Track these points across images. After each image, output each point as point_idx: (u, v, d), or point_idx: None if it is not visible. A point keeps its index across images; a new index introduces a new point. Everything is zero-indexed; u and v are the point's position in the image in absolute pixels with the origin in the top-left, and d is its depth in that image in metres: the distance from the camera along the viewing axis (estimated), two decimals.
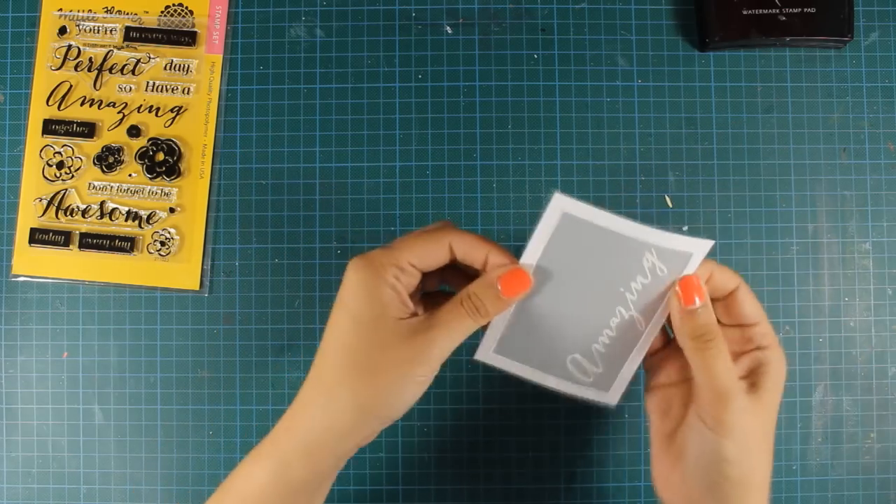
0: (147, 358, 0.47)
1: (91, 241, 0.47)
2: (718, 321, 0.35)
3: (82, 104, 0.48)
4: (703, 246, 0.35)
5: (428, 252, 0.33)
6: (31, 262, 0.47)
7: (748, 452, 0.34)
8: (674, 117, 0.48)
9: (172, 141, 0.47)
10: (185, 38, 0.47)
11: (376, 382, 0.32)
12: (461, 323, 0.33)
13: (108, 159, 0.47)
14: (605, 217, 0.34)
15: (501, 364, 0.39)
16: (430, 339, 0.32)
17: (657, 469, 0.38)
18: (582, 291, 0.37)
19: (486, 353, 0.39)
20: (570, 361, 0.38)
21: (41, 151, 0.47)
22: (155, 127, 0.48)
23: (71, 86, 0.48)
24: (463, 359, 0.47)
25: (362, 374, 0.32)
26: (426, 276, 0.35)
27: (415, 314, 0.33)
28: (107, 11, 0.48)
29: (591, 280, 0.36)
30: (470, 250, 0.34)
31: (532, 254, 0.35)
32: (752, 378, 0.35)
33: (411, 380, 0.32)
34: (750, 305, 0.35)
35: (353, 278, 0.32)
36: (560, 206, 0.34)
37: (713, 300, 0.36)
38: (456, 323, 0.33)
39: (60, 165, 0.47)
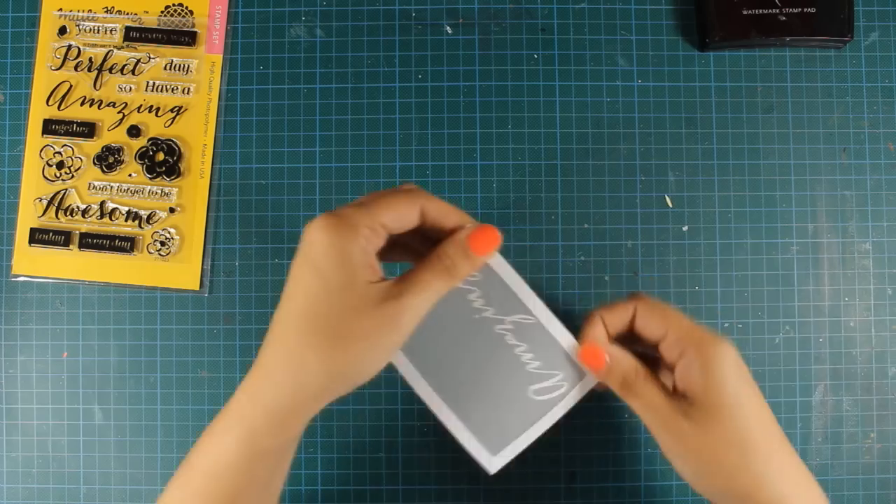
0: (147, 358, 0.47)
1: (91, 241, 0.47)
2: (640, 348, 0.36)
3: (82, 104, 0.48)
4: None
5: (400, 214, 0.32)
6: (31, 262, 0.47)
7: (718, 466, 0.34)
8: (674, 117, 0.48)
9: (172, 141, 0.47)
10: (185, 38, 0.47)
11: (348, 349, 0.31)
12: (433, 285, 0.32)
13: (108, 159, 0.47)
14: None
15: (403, 368, 0.36)
16: (402, 304, 0.31)
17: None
18: (463, 346, 0.36)
19: (491, 463, 0.37)
20: (464, 397, 0.36)
21: (41, 151, 0.47)
22: (155, 127, 0.48)
23: (71, 86, 0.48)
24: None
25: (333, 341, 0.30)
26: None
27: (383, 278, 0.32)
28: (107, 11, 0.48)
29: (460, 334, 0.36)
30: (440, 215, 0.33)
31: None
32: (693, 387, 0.34)
33: (381, 346, 0.31)
34: (647, 327, 0.35)
35: (324, 239, 0.30)
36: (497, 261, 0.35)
37: (618, 335, 0.36)
38: (427, 285, 0.32)
39: (60, 165, 0.47)
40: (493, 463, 0.36)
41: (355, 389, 0.32)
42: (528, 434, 0.36)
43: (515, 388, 0.36)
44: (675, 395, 0.35)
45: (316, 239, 0.31)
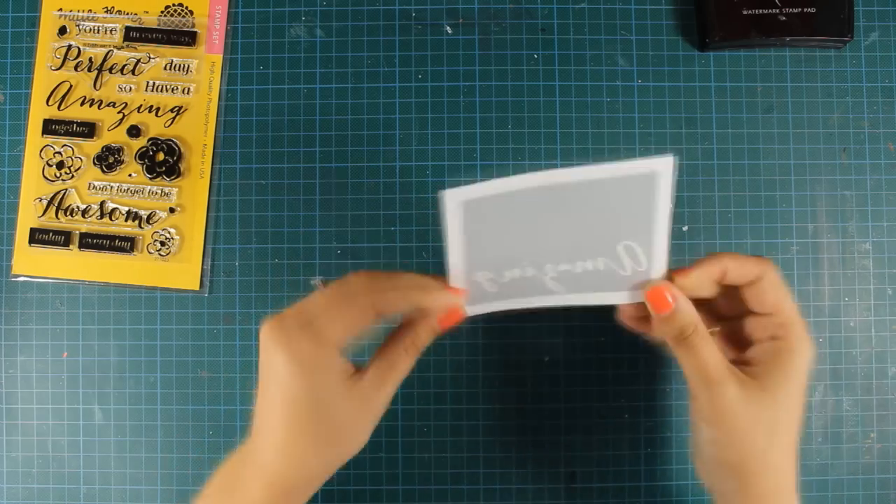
0: (147, 358, 0.47)
1: (91, 241, 0.47)
2: (743, 306, 0.36)
3: (82, 104, 0.48)
4: (665, 164, 0.32)
5: (358, 326, 0.34)
6: (31, 262, 0.47)
7: (741, 439, 0.34)
8: (674, 117, 0.48)
9: (172, 141, 0.47)
10: (185, 38, 0.47)
11: (340, 442, 0.34)
12: (403, 363, 0.35)
13: (108, 159, 0.47)
14: (500, 183, 0.33)
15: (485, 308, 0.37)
16: (382, 393, 0.34)
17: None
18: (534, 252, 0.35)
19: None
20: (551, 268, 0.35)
21: (41, 151, 0.47)
22: (155, 127, 0.48)
23: (71, 86, 0.48)
24: (463, 359, 0.47)
25: (327, 440, 0.34)
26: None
27: (357, 369, 0.35)
28: (107, 11, 0.48)
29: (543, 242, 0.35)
30: (393, 306, 0.35)
31: (455, 260, 0.35)
32: (761, 367, 0.35)
33: (369, 429, 0.35)
34: (768, 295, 0.35)
35: (291, 375, 0.33)
36: (454, 199, 0.33)
37: (732, 287, 0.36)
38: (403, 369, 0.35)
39: (60, 165, 0.47)
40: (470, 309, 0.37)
41: None
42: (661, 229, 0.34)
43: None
44: (731, 360, 0.35)
45: (284, 375, 0.33)
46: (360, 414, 0.34)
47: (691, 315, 0.34)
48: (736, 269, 0.35)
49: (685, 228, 0.47)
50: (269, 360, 0.33)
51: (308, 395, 0.33)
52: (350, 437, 0.34)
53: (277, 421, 0.34)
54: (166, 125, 0.48)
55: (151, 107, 0.48)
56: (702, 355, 0.34)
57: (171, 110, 0.48)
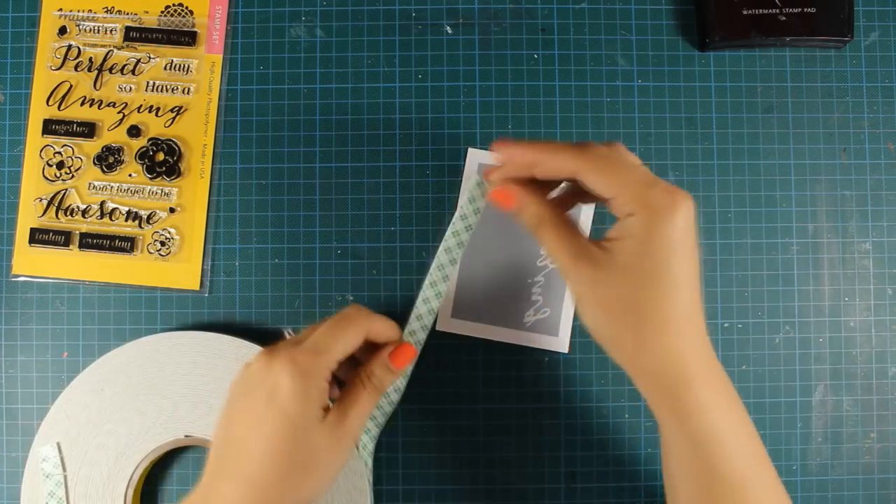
0: None
1: (91, 241, 0.47)
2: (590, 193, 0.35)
3: (82, 104, 0.48)
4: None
5: (350, 347, 0.37)
6: (31, 262, 0.47)
7: (598, 318, 0.34)
8: (674, 117, 0.48)
9: (172, 141, 0.47)
10: (185, 38, 0.47)
11: (311, 477, 0.35)
12: (366, 402, 0.37)
13: (108, 159, 0.47)
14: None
15: (460, 329, 0.46)
16: (346, 427, 0.36)
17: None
18: (507, 236, 0.44)
19: (445, 321, 0.46)
20: (516, 309, 0.45)
21: (41, 151, 0.47)
22: (155, 127, 0.48)
23: (71, 86, 0.48)
24: (463, 359, 0.47)
25: (298, 475, 0.34)
26: None
27: (328, 406, 0.36)
28: (107, 11, 0.48)
29: (510, 223, 0.43)
30: (379, 335, 0.39)
31: (459, 212, 0.41)
32: (616, 243, 0.34)
33: (338, 464, 0.36)
34: (597, 185, 0.34)
35: (291, 385, 0.34)
36: (475, 158, 0.41)
37: (568, 181, 0.37)
38: (363, 404, 0.37)
39: (60, 165, 0.47)
40: (561, 344, 0.46)
41: None
42: (487, 328, 0.46)
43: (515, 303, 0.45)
44: (594, 243, 0.35)
45: (284, 384, 0.34)
46: (328, 453, 0.35)
47: (532, 208, 0.36)
48: (547, 162, 0.35)
49: None
50: (271, 377, 0.34)
51: (299, 411, 0.34)
52: (320, 476, 0.35)
53: (261, 439, 0.34)
54: (166, 125, 0.48)
55: (151, 107, 0.48)
56: (549, 244, 0.36)
57: (171, 110, 0.48)
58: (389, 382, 0.39)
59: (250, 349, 0.45)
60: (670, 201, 0.33)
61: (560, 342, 0.46)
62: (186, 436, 0.44)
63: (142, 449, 0.44)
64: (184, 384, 0.44)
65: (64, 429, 0.44)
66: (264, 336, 0.47)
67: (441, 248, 0.41)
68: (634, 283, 0.33)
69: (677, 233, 0.33)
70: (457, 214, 0.40)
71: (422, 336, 0.42)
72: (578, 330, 0.47)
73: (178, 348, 0.45)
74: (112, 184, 0.47)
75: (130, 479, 0.44)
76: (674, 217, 0.33)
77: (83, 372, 0.45)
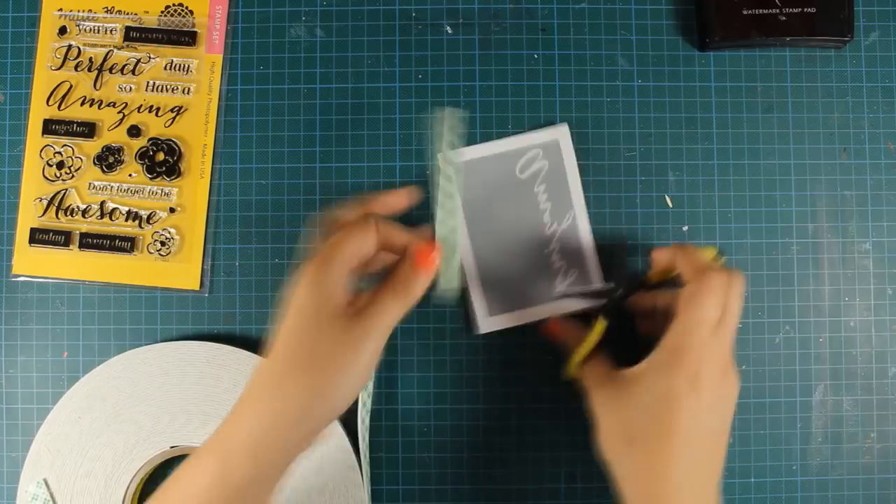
0: None
1: (91, 241, 0.47)
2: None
3: (82, 104, 0.48)
4: (562, 130, 0.46)
5: (363, 237, 0.36)
6: (31, 262, 0.47)
7: (606, 443, 0.39)
8: (674, 117, 0.48)
9: (172, 141, 0.47)
10: (185, 38, 0.47)
11: (324, 368, 0.34)
12: (391, 306, 0.36)
13: (109, 159, 0.47)
14: (479, 148, 0.46)
15: (502, 323, 0.46)
16: (365, 326, 0.34)
17: None
18: (507, 217, 0.46)
19: (484, 322, 0.46)
20: (545, 283, 0.45)
21: (41, 151, 0.47)
22: (155, 127, 0.48)
23: (71, 86, 0.48)
24: (463, 359, 0.47)
25: (310, 361, 0.34)
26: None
27: (352, 303, 0.36)
28: (107, 11, 0.48)
29: (506, 203, 0.45)
30: (391, 235, 0.37)
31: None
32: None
33: (353, 367, 0.34)
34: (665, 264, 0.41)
35: (301, 278, 0.35)
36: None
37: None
38: (386, 306, 0.35)
39: (60, 165, 0.47)
40: (487, 323, 0.46)
41: (338, 417, 0.35)
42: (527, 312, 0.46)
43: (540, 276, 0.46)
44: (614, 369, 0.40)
45: (296, 281, 0.35)
46: (341, 348, 0.34)
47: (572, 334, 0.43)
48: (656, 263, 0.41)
49: (685, 228, 0.47)
50: (293, 284, 0.35)
51: (309, 303, 0.34)
52: (330, 371, 0.34)
53: (278, 335, 0.35)
54: (166, 125, 0.48)
55: (151, 107, 0.48)
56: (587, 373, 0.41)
57: (172, 110, 0.48)
58: (418, 286, 0.37)
59: (220, 351, 0.45)
60: (687, 305, 0.38)
61: (601, 285, 0.46)
62: (172, 447, 0.44)
63: (129, 469, 0.44)
64: (159, 396, 0.44)
65: (48, 463, 0.44)
66: (264, 336, 0.47)
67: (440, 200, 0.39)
68: (645, 419, 0.37)
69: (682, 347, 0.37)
70: (440, 161, 0.39)
71: (453, 238, 0.39)
72: (609, 277, 0.47)
73: (147, 362, 0.45)
74: (112, 184, 0.47)
75: (124, 501, 0.44)
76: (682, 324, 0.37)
77: (57, 404, 0.45)
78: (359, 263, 0.36)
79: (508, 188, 0.46)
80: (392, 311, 0.36)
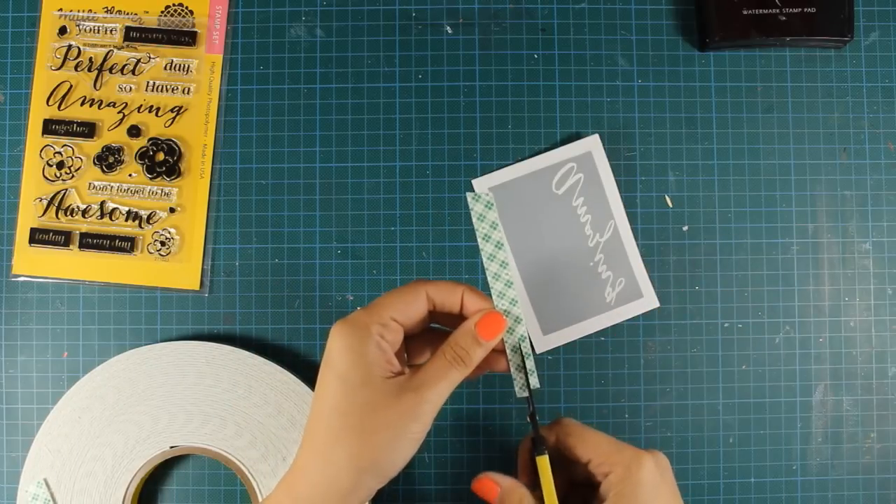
0: None
1: (91, 241, 0.47)
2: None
3: (82, 104, 0.48)
4: (594, 141, 0.47)
5: (407, 303, 0.34)
6: (31, 262, 0.47)
7: None
8: (674, 117, 0.48)
9: (172, 141, 0.47)
10: (185, 38, 0.47)
11: (371, 442, 0.32)
12: (447, 375, 0.34)
13: (109, 159, 0.47)
14: (513, 169, 0.47)
15: (558, 340, 0.46)
16: (420, 396, 0.33)
17: None
18: (549, 235, 0.46)
19: (540, 342, 0.46)
20: (595, 294, 0.46)
21: (41, 151, 0.47)
22: (155, 127, 0.48)
23: (71, 86, 0.48)
24: None
25: (357, 435, 0.32)
26: (410, 339, 0.36)
27: (401, 372, 0.34)
28: (107, 11, 0.48)
29: (546, 221, 0.46)
30: (445, 295, 0.35)
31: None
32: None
33: (405, 437, 0.33)
34: (573, 453, 0.36)
35: (339, 342, 0.33)
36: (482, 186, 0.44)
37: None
38: (442, 375, 0.34)
39: (60, 165, 0.47)
40: (652, 301, 0.46)
41: (388, 484, 0.34)
42: (581, 326, 0.46)
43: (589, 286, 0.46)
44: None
45: (333, 345, 0.33)
46: (393, 418, 0.32)
47: (516, 492, 0.37)
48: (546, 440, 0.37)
49: (685, 228, 0.47)
50: (329, 342, 0.33)
51: (349, 367, 0.32)
52: (382, 443, 0.32)
53: (318, 400, 0.33)
54: (166, 125, 0.48)
55: (151, 107, 0.48)
56: None
57: (171, 110, 0.48)
58: (477, 357, 0.35)
59: (220, 351, 0.45)
60: (634, 454, 0.35)
61: (648, 301, 0.47)
62: (172, 447, 0.44)
63: (129, 469, 0.44)
64: (159, 396, 0.44)
65: (48, 463, 0.44)
66: (264, 336, 0.47)
67: (490, 279, 0.38)
68: None
69: (649, 484, 0.34)
70: (479, 240, 0.37)
71: (515, 311, 0.37)
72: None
73: (147, 362, 0.45)
74: (112, 184, 0.47)
75: (124, 501, 0.44)
76: (640, 463, 0.34)
77: (57, 404, 0.45)
78: (410, 324, 0.35)
79: (547, 205, 0.46)
80: (449, 380, 0.34)
